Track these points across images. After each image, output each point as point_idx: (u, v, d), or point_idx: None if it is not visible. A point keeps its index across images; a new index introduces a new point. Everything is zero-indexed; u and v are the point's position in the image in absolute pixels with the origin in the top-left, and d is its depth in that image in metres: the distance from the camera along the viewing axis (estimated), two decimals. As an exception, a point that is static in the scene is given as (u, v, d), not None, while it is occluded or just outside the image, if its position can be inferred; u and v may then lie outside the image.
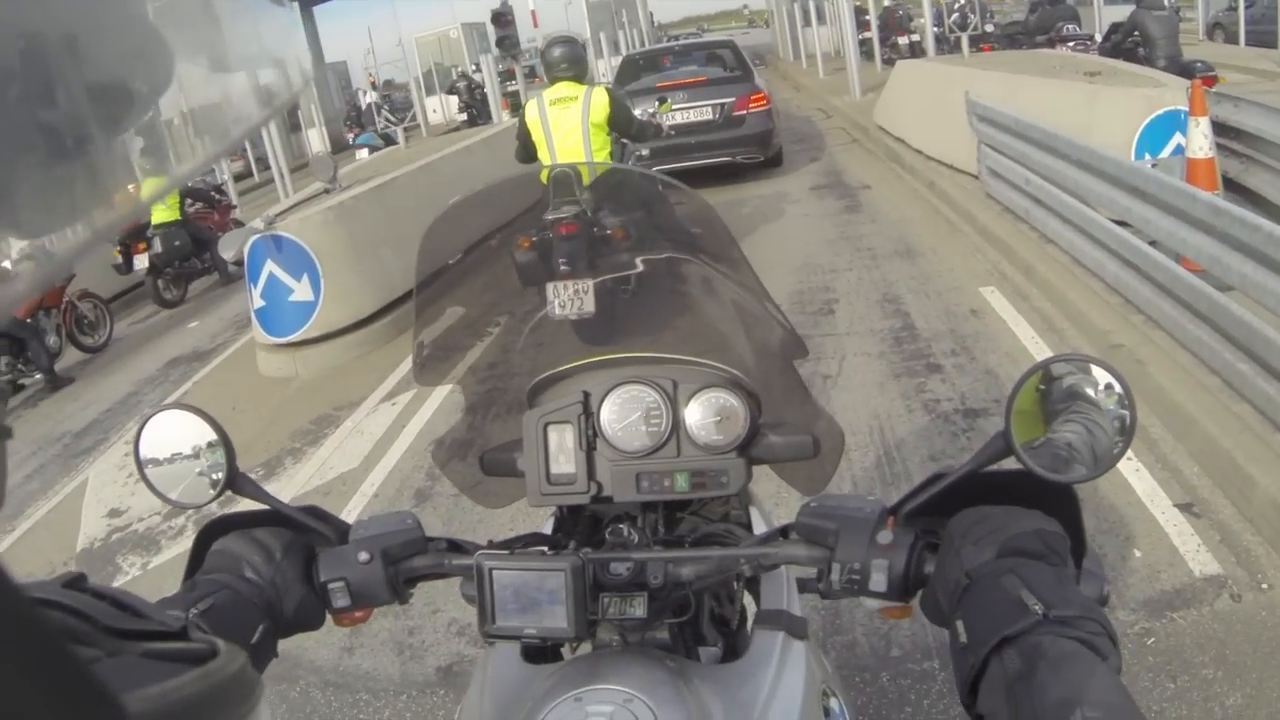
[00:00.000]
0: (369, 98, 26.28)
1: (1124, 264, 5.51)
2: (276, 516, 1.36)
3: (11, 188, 0.37)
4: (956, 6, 17.56)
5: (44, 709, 0.36)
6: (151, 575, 4.69)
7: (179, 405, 1.38)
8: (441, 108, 26.76)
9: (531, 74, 21.78)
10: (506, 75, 20.81)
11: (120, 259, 10.56)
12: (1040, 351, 5.36)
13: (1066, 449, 1.17)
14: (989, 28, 17.80)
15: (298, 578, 1.31)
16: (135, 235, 10.50)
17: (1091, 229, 5.99)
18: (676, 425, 1.45)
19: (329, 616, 1.36)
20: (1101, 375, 1.18)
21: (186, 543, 4.85)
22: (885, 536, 1.23)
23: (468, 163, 10.17)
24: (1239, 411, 4.04)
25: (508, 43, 19.30)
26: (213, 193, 12.69)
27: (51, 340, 8.76)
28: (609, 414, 1.46)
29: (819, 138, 14.86)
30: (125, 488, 5.82)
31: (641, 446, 1.45)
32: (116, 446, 6.63)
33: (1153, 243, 5.22)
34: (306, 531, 1.37)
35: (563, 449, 1.48)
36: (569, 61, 6.42)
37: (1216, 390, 4.26)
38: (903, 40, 20.78)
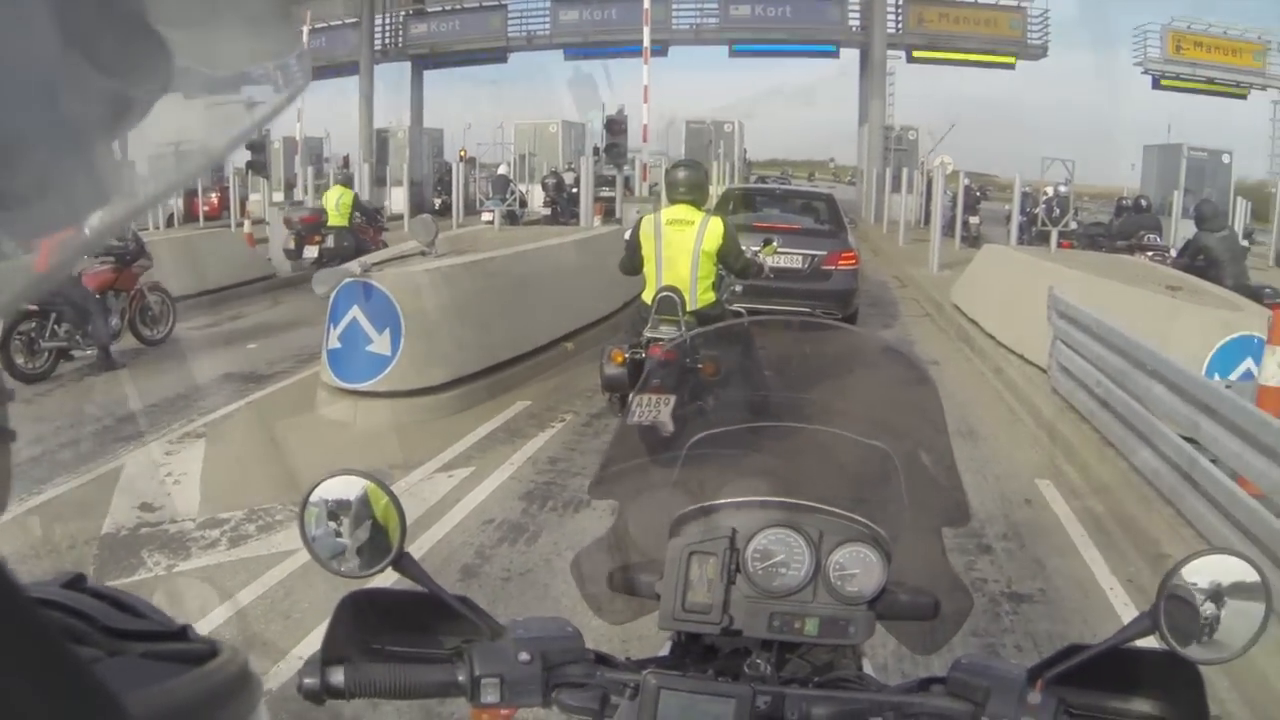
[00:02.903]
0: (461, 170, 27.10)
1: (1182, 477, 5.58)
2: (433, 600, 1.36)
3: (12, 188, 0.37)
4: (1044, 200, 17.92)
5: (44, 709, 0.36)
6: (175, 578, 4.70)
7: (358, 471, 1.40)
8: (527, 199, 27.51)
9: (629, 184, 22.30)
10: (602, 180, 21.22)
11: (294, 245, 13.15)
12: (1087, 549, 5.44)
13: (1202, 631, 1.25)
14: (1074, 224, 18.03)
15: (442, 667, 1.33)
16: (312, 229, 13.38)
17: (1154, 438, 6.09)
18: (817, 572, 1.47)
19: (469, 706, 1.35)
20: (1243, 569, 1.27)
21: (220, 556, 5.01)
22: (1035, 698, 1.26)
23: (560, 258, 10.36)
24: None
25: (615, 151, 19.67)
26: (377, 213, 15.08)
27: (114, 321, 8.93)
28: (754, 552, 1.48)
29: (893, 305, 14.98)
30: (163, 486, 5.86)
31: (781, 587, 1.47)
32: (158, 444, 6.64)
33: (1214, 460, 5.31)
34: (460, 620, 1.37)
35: (702, 579, 1.48)
36: (692, 186, 6.58)
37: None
38: (973, 219, 20.64)
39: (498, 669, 1.31)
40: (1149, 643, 1.28)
